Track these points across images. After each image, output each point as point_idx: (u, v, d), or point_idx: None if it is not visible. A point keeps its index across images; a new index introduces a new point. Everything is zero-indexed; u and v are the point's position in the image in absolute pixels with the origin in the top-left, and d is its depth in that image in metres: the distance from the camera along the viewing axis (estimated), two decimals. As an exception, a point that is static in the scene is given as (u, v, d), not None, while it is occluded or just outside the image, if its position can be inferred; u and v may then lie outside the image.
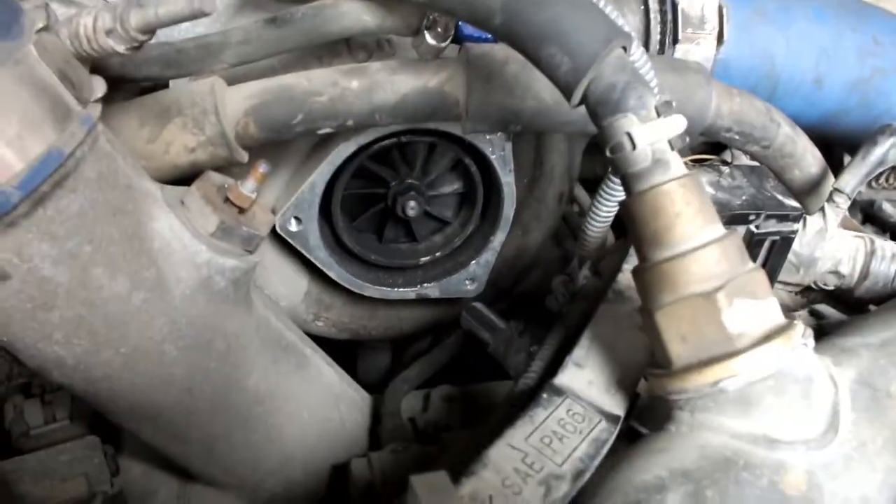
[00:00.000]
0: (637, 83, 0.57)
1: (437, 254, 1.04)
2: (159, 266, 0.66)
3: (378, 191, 0.98)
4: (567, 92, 0.59)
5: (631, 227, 0.59)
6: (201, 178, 0.70)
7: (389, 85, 0.75)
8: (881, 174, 1.03)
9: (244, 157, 0.77)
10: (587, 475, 0.56)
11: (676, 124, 0.58)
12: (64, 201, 0.59)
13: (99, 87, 0.65)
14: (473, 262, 1.02)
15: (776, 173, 0.92)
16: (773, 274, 0.86)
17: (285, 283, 1.01)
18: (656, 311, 0.57)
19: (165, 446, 0.78)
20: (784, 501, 0.52)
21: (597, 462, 0.57)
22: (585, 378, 0.65)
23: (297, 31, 0.72)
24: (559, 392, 0.63)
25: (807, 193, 0.93)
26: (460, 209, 1.05)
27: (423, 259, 1.04)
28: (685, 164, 0.76)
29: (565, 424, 0.59)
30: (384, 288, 1.01)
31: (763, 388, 0.54)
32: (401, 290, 1.02)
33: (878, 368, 0.60)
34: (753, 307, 0.56)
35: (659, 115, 0.57)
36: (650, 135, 0.56)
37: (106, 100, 0.67)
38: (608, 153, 0.58)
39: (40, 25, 0.61)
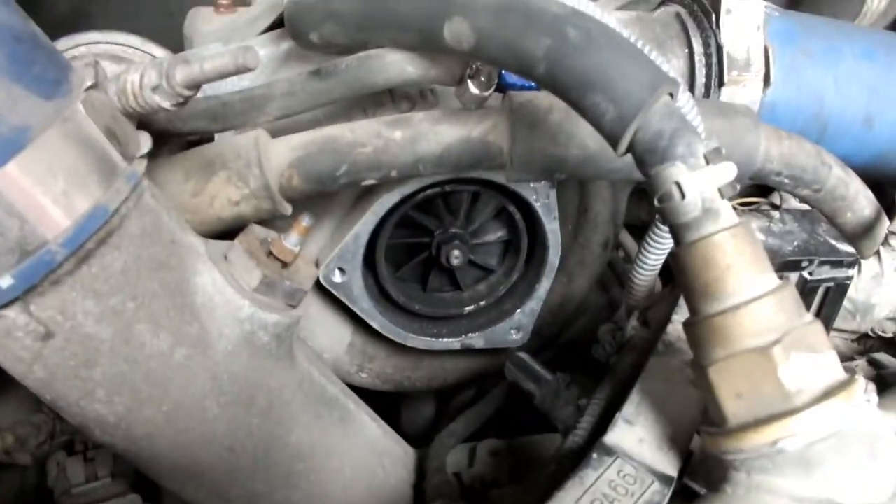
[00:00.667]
0: (685, 130, 0.56)
1: (482, 303, 1.03)
2: (202, 321, 0.66)
3: (422, 240, 0.97)
4: (613, 140, 0.58)
5: (681, 279, 0.57)
6: (245, 231, 0.70)
7: (433, 135, 0.75)
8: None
9: (288, 209, 0.78)
10: (641, 539, 0.54)
11: (727, 172, 0.56)
12: (108, 258, 0.59)
13: (145, 142, 0.66)
14: (518, 310, 1.01)
15: (828, 217, 0.89)
16: (828, 322, 0.83)
17: (329, 334, 1.00)
18: (709, 366, 0.55)
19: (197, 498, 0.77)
20: (851, 570, 0.49)
21: (651, 525, 0.55)
22: (636, 436, 0.63)
23: (340, 82, 0.72)
24: (610, 452, 0.61)
25: (861, 237, 0.90)
26: (504, 257, 1.04)
27: (468, 308, 1.02)
28: (735, 209, 0.75)
29: (616, 486, 0.57)
30: (428, 338, 1.00)
31: (825, 447, 0.52)
32: (445, 340, 1.01)
33: None
34: (812, 362, 0.54)
35: (708, 162, 0.56)
36: (700, 183, 0.55)
37: (152, 154, 0.68)
38: (657, 202, 0.57)
39: (89, 83, 0.62)
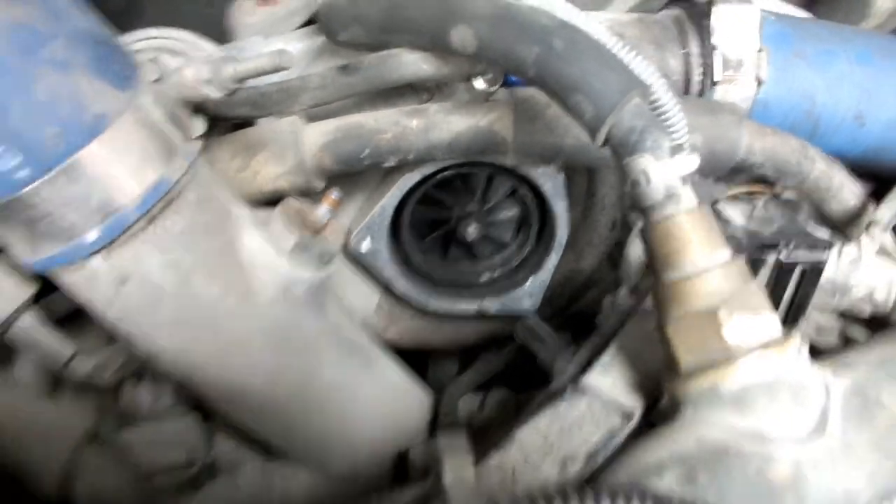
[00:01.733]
0: (653, 127, 0.66)
1: (496, 272, 1.14)
2: (247, 275, 0.78)
3: (443, 216, 1.09)
4: (592, 134, 0.68)
5: (648, 252, 0.68)
6: (283, 203, 0.83)
7: (445, 124, 0.86)
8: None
9: (320, 185, 0.90)
10: (600, 458, 0.66)
11: (689, 163, 0.67)
12: (170, 220, 0.72)
13: (199, 126, 0.79)
14: (529, 280, 1.12)
15: (816, 206, 0.99)
16: (804, 301, 0.92)
17: (359, 297, 1.12)
18: (667, 325, 0.66)
19: (251, 426, 0.90)
20: (769, 487, 0.60)
21: (610, 449, 0.67)
22: (609, 380, 0.74)
23: (364, 78, 0.83)
24: (584, 390, 0.72)
25: (847, 224, 0.99)
26: (518, 232, 1.15)
27: (483, 277, 1.14)
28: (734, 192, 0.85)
29: (584, 416, 0.69)
30: (447, 303, 1.12)
31: (757, 391, 0.63)
32: (463, 305, 1.12)
33: (871, 380, 0.67)
34: (752, 322, 0.64)
35: (674, 154, 0.67)
36: (663, 172, 0.65)
37: (204, 135, 0.81)
38: (628, 188, 0.68)
39: (154, 77, 0.75)
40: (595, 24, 0.70)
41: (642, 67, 0.69)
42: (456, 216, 1.08)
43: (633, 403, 0.72)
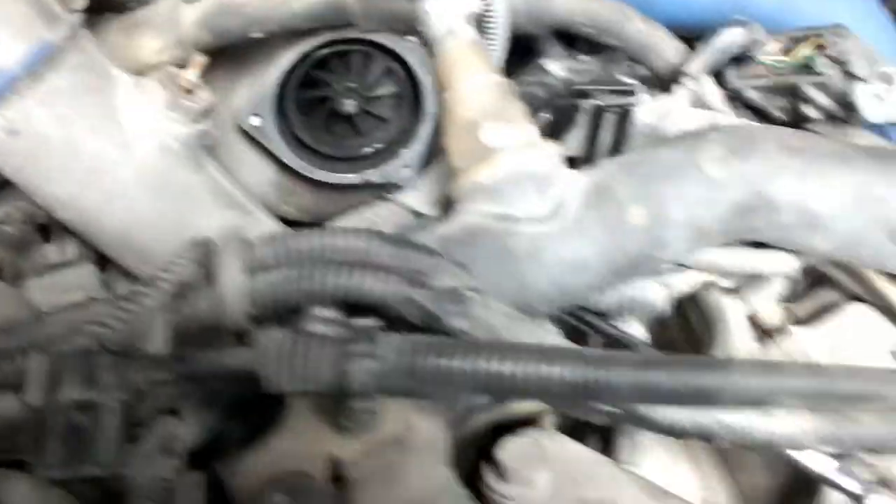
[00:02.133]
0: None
1: (377, 145, 1.30)
2: (125, 130, 0.95)
3: (325, 93, 1.25)
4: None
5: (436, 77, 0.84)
6: (159, 70, 0.99)
7: (302, -2, 1.03)
8: (744, 67, 1.21)
9: (197, 57, 1.05)
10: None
11: (466, 5, 0.83)
12: (55, 79, 0.89)
13: (79, 2, 0.94)
14: (406, 150, 1.28)
15: (641, 62, 1.15)
16: (621, 138, 1.07)
17: (254, 172, 1.28)
18: (444, 135, 0.83)
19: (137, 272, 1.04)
20: (513, 256, 0.78)
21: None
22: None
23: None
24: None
25: (671, 79, 1.14)
26: (398, 108, 1.30)
27: (366, 150, 1.30)
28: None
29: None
30: (333, 174, 1.28)
31: (507, 183, 0.79)
32: (347, 175, 1.28)
33: (610, 176, 0.84)
34: (507, 129, 0.80)
35: (452, -1, 0.82)
36: (443, 10, 0.81)
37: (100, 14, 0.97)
38: (420, 28, 0.83)
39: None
40: None
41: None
42: (337, 93, 1.23)
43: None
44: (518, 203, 0.79)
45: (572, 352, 0.65)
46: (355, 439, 0.64)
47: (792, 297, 1.26)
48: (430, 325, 0.66)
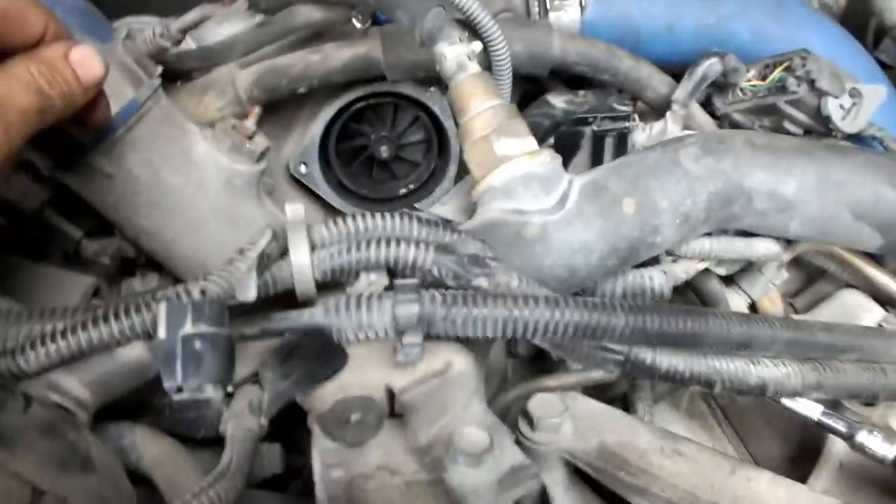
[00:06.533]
0: (447, 27, 1.04)
1: (410, 186, 1.52)
2: (199, 170, 1.17)
3: (362, 143, 1.48)
4: (415, 37, 1.07)
5: (451, 108, 1.06)
6: (222, 120, 1.22)
7: (336, 55, 1.25)
8: (727, 93, 1.41)
9: (253, 111, 1.29)
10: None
11: (472, 46, 1.04)
12: (143, 130, 1.11)
13: (158, 70, 1.19)
14: (436, 189, 1.49)
15: (635, 96, 1.36)
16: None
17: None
18: (465, 152, 1.04)
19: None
20: (525, 240, 0.97)
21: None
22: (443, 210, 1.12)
23: (274, 29, 1.23)
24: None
25: (664, 108, 1.35)
26: (427, 153, 1.53)
27: (401, 190, 1.52)
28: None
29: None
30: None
31: (516, 183, 0.99)
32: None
33: (604, 174, 1.04)
34: (514, 142, 1.01)
35: (463, 41, 1.04)
36: (454, 52, 1.03)
37: (174, 83, 1.21)
38: (437, 68, 1.05)
39: (124, 34, 1.15)
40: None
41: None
42: (372, 141, 1.46)
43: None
44: (527, 199, 0.99)
45: (577, 300, 0.84)
46: (405, 372, 0.83)
47: (792, 293, 1.44)
48: (459, 285, 0.86)
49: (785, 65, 1.30)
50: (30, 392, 0.70)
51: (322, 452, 0.78)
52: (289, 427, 0.94)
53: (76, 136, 1.00)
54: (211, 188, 1.18)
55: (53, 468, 0.64)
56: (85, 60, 0.84)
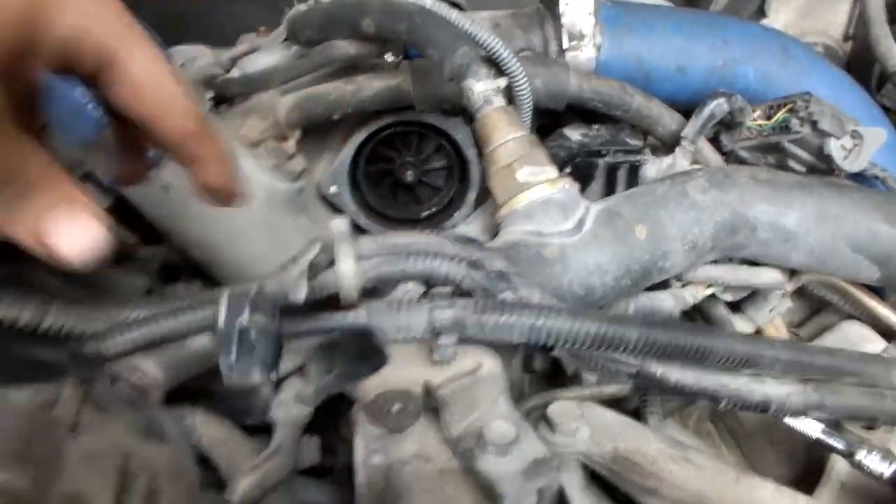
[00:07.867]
0: (474, 64, 1.14)
1: (434, 209, 1.62)
2: (244, 185, 1.28)
3: (388, 167, 1.58)
4: (444, 72, 1.18)
5: (477, 139, 1.16)
6: (264, 142, 1.33)
7: (368, 86, 1.36)
8: (734, 131, 1.52)
9: (292, 134, 1.40)
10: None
11: (500, 82, 1.15)
12: (192, 150, 1.22)
13: (209, 95, 1.30)
14: (455, 214, 1.59)
15: (647, 132, 1.46)
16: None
17: (333, 230, 1.61)
18: (489, 179, 1.14)
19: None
20: (545, 260, 1.06)
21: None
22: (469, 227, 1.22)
23: (312, 60, 1.33)
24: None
25: (674, 143, 1.46)
26: (449, 178, 1.63)
27: (424, 213, 1.62)
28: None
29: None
30: (397, 232, 1.59)
31: (536, 208, 1.09)
32: (408, 233, 1.60)
33: (617, 202, 1.13)
34: (536, 170, 1.11)
35: (490, 77, 1.15)
36: (480, 87, 1.14)
37: (221, 106, 1.32)
38: (464, 102, 1.16)
39: (180, 63, 1.26)
40: (441, 6, 1.20)
41: (481, 33, 1.17)
42: (397, 165, 1.57)
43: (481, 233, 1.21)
44: (546, 222, 1.09)
45: (595, 313, 0.93)
46: (441, 370, 0.93)
47: (797, 324, 1.53)
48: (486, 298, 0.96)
49: (788, 106, 1.40)
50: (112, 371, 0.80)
51: (365, 438, 0.87)
52: (322, 429, 1.03)
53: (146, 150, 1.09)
54: (254, 203, 1.28)
55: (139, 435, 0.73)
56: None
